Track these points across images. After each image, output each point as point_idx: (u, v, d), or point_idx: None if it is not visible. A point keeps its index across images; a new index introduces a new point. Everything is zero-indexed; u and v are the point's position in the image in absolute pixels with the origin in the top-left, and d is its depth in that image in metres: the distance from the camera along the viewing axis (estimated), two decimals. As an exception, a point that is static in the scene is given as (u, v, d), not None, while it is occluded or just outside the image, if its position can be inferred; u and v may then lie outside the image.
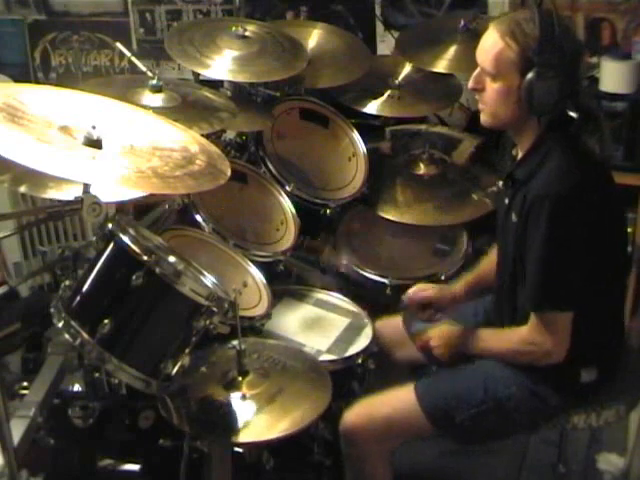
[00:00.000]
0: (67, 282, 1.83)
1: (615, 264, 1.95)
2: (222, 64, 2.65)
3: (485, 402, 1.95)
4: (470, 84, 1.92)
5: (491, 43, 1.84)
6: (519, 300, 1.94)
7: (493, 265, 2.17)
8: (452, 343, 2.04)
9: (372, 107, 2.92)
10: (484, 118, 1.94)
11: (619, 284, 2.01)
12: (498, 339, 1.98)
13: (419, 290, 2.26)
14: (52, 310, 1.78)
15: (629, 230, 2.67)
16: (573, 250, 1.81)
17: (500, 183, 2.07)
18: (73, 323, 1.74)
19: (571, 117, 1.87)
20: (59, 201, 1.96)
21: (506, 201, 1.98)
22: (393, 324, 2.32)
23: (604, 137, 1.87)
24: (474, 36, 2.83)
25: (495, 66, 1.83)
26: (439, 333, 2.07)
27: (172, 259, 1.88)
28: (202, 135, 1.97)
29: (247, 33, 2.75)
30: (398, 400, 2.02)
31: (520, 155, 1.95)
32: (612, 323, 2.00)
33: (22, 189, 2.06)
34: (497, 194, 2.16)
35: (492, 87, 1.86)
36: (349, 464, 2.09)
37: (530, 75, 1.79)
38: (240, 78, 2.71)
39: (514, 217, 1.91)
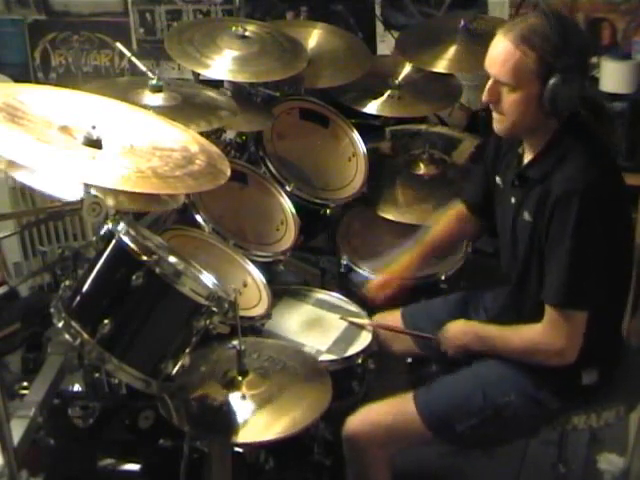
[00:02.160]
0: (67, 282, 1.83)
1: (623, 264, 1.95)
2: (222, 64, 2.65)
3: (484, 410, 1.95)
4: (484, 98, 1.87)
5: (505, 53, 1.79)
6: (528, 299, 1.93)
7: (446, 228, 2.26)
8: (460, 344, 2.04)
9: (372, 107, 2.93)
10: (501, 127, 1.89)
11: (623, 285, 2.00)
12: (505, 338, 1.96)
13: (375, 296, 2.28)
14: (52, 310, 1.78)
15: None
16: (598, 247, 1.81)
17: (497, 179, 2.06)
18: (73, 323, 1.74)
19: (580, 112, 1.87)
20: (59, 201, 1.96)
21: (513, 200, 1.96)
22: (391, 318, 2.32)
23: (614, 129, 1.86)
24: (474, 36, 2.84)
25: (514, 77, 1.79)
26: (455, 332, 2.06)
27: (172, 259, 1.88)
28: (202, 134, 1.97)
29: (247, 33, 2.75)
30: (398, 410, 2.02)
31: (530, 154, 1.93)
32: (614, 324, 2.00)
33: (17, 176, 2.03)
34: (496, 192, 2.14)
35: (511, 97, 1.81)
36: (351, 469, 2.09)
37: (553, 80, 1.76)
38: (240, 78, 2.71)
39: (527, 216, 1.90)
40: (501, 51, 1.80)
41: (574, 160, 1.83)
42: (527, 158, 1.95)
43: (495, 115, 1.89)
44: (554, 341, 1.86)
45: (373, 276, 2.46)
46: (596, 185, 1.80)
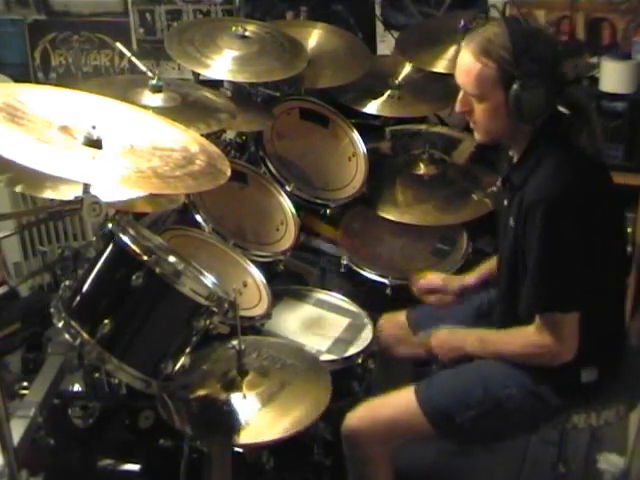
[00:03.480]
0: (67, 282, 1.84)
1: (615, 263, 1.94)
2: (222, 64, 2.64)
3: (484, 403, 1.95)
4: (457, 108, 1.91)
5: (468, 65, 1.83)
6: (518, 302, 1.93)
7: None
8: (454, 348, 2.04)
9: (372, 107, 2.92)
10: (478, 136, 1.94)
11: (619, 283, 2.01)
12: (505, 342, 1.97)
13: (429, 279, 2.28)
14: (52, 310, 1.78)
15: (629, 230, 2.67)
16: (571, 251, 1.81)
17: (498, 183, 2.08)
18: (73, 323, 1.74)
19: (561, 114, 1.88)
20: (59, 201, 1.96)
21: (505, 202, 1.98)
22: (396, 320, 2.33)
23: (594, 130, 1.86)
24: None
25: (478, 87, 1.83)
26: (440, 340, 2.07)
27: (172, 259, 1.88)
28: (202, 135, 1.97)
29: (247, 33, 2.75)
30: (399, 403, 2.02)
31: (515, 158, 1.95)
32: (613, 323, 2.00)
33: (18, 189, 2.05)
34: (497, 194, 2.15)
35: (480, 107, 1.86)
36: (352, 466, 2.09)
37: (514, 88, 1.78)
38: (240, 78, 2.71)
39: (511, 221, 1.91)
40: (464, 63, 1.85)
41: (545, 167, 1.84)
42: (513, 161, 1.97)
43: (471, 124, 1.94)
44: (547, 346, 1.87)
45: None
46: (565, 192, 1.80)
